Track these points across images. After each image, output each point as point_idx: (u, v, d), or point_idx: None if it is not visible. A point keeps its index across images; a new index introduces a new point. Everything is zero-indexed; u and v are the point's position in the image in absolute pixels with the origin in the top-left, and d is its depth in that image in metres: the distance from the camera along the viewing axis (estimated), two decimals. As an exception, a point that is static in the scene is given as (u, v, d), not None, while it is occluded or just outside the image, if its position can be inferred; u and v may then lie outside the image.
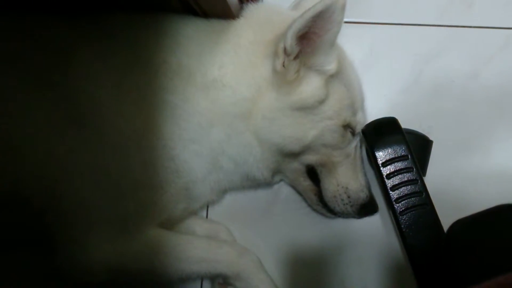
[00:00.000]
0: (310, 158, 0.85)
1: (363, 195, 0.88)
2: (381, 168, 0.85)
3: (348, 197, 0.87)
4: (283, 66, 0.77)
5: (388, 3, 1.03)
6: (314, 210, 0.93)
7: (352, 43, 0.94)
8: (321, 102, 0.80)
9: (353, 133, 0.87)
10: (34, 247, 0.79)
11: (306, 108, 0.79)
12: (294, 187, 0.95)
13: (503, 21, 1.01)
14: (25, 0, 0.79)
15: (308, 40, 0.76)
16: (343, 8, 0.73)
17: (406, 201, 0.84)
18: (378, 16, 1.02)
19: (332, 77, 0.81)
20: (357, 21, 1.02)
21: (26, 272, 0.81)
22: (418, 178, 0.84)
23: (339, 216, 0.92)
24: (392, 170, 0.84)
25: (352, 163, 0.88)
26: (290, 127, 0.80)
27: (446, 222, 0.81)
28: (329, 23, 0.74)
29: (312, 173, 0.88)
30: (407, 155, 0.84)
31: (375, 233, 0.94)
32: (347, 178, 0.87)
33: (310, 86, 0.79)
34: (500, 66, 1.00)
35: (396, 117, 0.88)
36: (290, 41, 0.74)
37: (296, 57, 0.77)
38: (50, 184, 0.73)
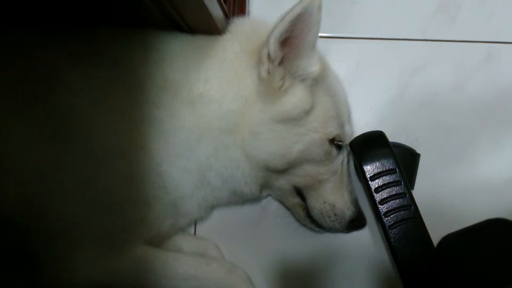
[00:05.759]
0: (297, 180, 0.85)
1: (349, 212, 0.88)
2: (370, 182, 0.85)
3: (335, 214, 0.87)
4: (268, 72, 0.77)
5: (373, 18, 1.04)
6: (303, 225, 0.93)
7: (339, 58, 0.95)
8: (306, 112, 0.80)
9: (340, 148, 0.86)
10: (20, 264, 0.77)
11: (291, 120, 0.79)
12: (282, 202, 0.94)
13: (486, 35, 1.03)
14: (12, 14, 0.78)
15: (290, 45, 0.77)
16: (319, 7, 0.74)
17: (395, 214, 0.83)
18: (364, 31, 1.03)
19: (317, 86, 0.82)
20: (344, 36, 1.02)
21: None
22: (406, 192, 0.84)
23: (328, 231, 0.92)
24: (380, 183, 0.84)
25: (339, 179, 0.88)
26: (275, 142, 0.80)
27: (435, 235, 0.82)
28: (308, 24, 0.74)
29: (300, 190, 0.88)
30: (395, 169, 0.84)
31: (365, 246, 0.93)
32: (333, 196, 0.87)
33: (295, 96, 0.79)
34: (484, 79, 1.01)
35: (383, 130, 0.88)
36: (273, 46, 0.75)
37: (280, 63, 0.77)
38: (35, 200, 0.71)
